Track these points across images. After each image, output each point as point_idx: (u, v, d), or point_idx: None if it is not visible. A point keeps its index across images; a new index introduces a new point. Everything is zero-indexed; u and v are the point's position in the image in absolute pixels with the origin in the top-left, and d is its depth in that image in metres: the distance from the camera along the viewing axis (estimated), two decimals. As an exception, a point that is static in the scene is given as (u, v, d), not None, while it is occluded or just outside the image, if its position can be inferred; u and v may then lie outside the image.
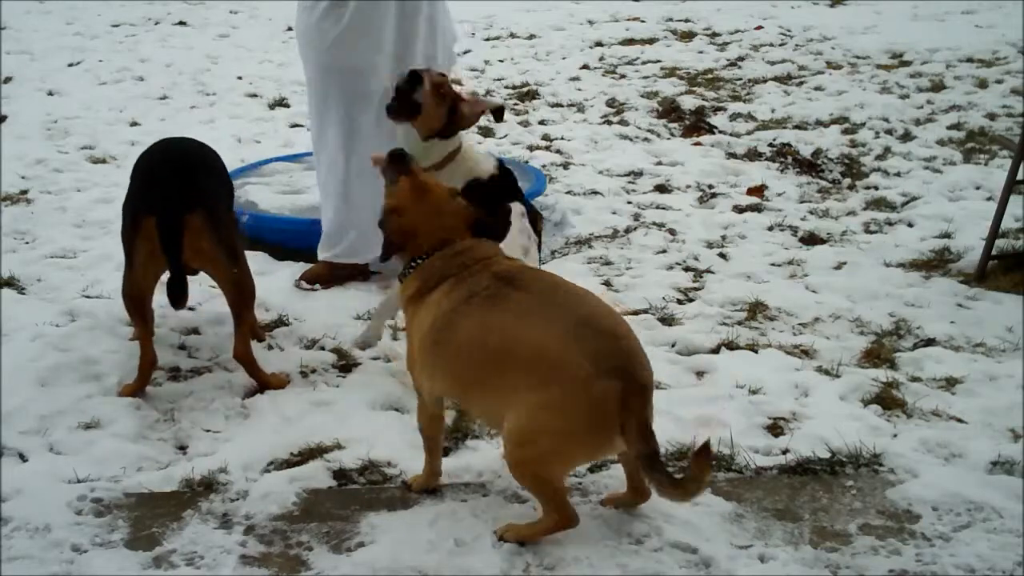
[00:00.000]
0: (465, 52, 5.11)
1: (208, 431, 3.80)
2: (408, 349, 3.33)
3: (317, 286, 4.94)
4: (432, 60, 4.78)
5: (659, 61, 9.57)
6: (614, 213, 5.93)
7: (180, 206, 3.75)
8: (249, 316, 4.09)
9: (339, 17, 4.66)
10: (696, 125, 7.57)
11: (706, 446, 2.92)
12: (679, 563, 3.05)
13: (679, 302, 4.82)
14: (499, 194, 4.09)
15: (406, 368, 3.37)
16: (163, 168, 3.92)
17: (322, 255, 5.00)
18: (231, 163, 6.24)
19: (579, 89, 8.70)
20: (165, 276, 3.85)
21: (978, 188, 6.24)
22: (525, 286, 3.12)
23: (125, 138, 7.21)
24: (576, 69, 9.35)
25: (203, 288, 4.44)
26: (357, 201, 4.84)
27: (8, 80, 8.87)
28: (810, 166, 6.71)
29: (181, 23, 10.91)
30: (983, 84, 8.53)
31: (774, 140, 7.16)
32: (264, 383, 4.03)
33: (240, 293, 4.00)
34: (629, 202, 6.12)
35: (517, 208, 4.07)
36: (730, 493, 3.38)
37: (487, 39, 10.31)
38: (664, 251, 5.42)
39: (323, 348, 4.38)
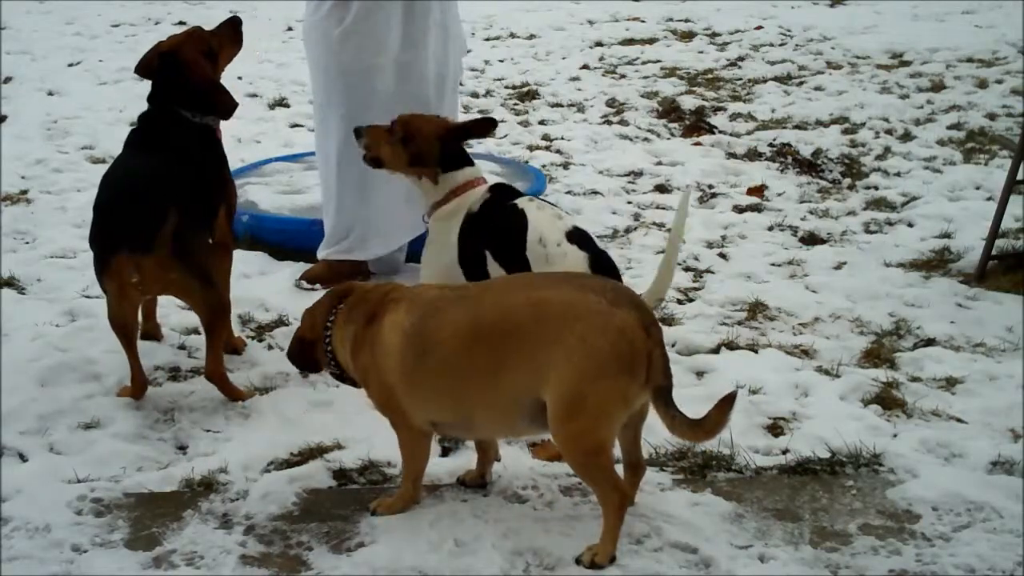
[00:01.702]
0: (466, 52, 5.13)
1: (208, 431, 3.80)
2: (376, 389, 3.19)
3: (317, 286, 4.93)
4: (443, 66, 4.80)
5: (659, 61, 9.57)
6: (614, 213, 5.93)
7: (144, 242, 3.64)
8: (223, 333, 3.98)
9: (341, 18, 4.66)
10: (696, 125, 7.57)
11: (731, 395, 2.93)
12: (679, 563, 3.05)
13: (679, 302, 4.82)
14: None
15: (379, 410, 3.26)
16: (121, 200, 3.76)
17: (321, 253, 5.01)
18: (231, 163, 6.25)
19: (579, 89, 8.70)
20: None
21: (978, 188, 6.24)
22: (482, 284, 3.14)
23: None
24: (576, 69, 9.34)
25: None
26: (357, 200, 4.86)
27: (8, 80, 8.87)
28: (810, 166, 6.70)
29: (181, 23, 10.89)
30: (983, 84, 8.53)
31: (774, 140, 7.16)
32: (237, 398, 3.96)
33: (212, 313, 3.89)
34: (629, 202, 6.12)
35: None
36: (730, 493, 3.38)
37: (487, 39, 10.31)
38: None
39: (323, 348, 4.38)
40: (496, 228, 3.74)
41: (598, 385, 2.87)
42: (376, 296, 3.22)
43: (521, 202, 3.74)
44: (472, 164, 3.93)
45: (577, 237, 3.58)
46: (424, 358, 3.06)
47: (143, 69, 4.15)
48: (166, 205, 3.72)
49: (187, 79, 4.05)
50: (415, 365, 3.07)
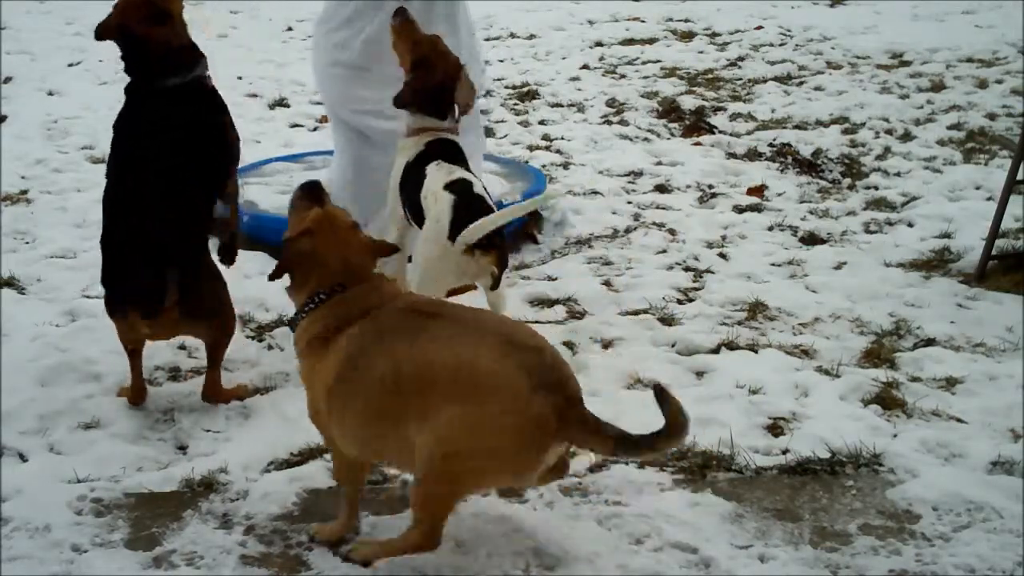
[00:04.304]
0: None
1: (208, 431, 3.80)
2: (310, 399, 3.09)
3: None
4: None
5: (659, 61, 9.57)
6: (614, 213, 5.93)
7: (153, 305, 3.65)
8: (224, 352, 3.94)
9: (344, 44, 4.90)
10: (696, 125, 7.57)
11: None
12: (679, 563, 3.05)
13: (679, 302, 4.83)
14: None
15: (310, 420, 3.14)
16: (127, 260, 3.71)
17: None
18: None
19: (579, 89, 8.70)
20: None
21: (978, 188, 6.24)
22: (441, 314, 2.97)
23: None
24: (576, 69, 9.34)
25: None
26: (361, 201, 4.90)
27: (8, 80, 8.87)
28: (810, 166, 6.71)
29: (181, 23, 10.90)
30: (983, 84, 8.53)
31: (774, 140, 7.16)
32: (233, 397, 3.96)
33: (217, 339, 3.87)
34: (629, 202, 6.12)
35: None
36: (730, 493, 3.38)
37: (487, 39, 10.30)
38: (664, 251, 5.42)
39: (323, 348, 4.38)
40: (410, 192, 4.07)
41: (493, 456, 2.78)
42: (357, 308, 3.05)
43: (430, 166, 4.03)
44: (443, 117, 4.19)
45: (452, 185, 3.92)
46: (348, 393, 2.96)
47: (98, 36, 3.87)
48: (171, 264, 3.68)
49: (148, 50, 3.79)
50: (341, 391, 2.97)
